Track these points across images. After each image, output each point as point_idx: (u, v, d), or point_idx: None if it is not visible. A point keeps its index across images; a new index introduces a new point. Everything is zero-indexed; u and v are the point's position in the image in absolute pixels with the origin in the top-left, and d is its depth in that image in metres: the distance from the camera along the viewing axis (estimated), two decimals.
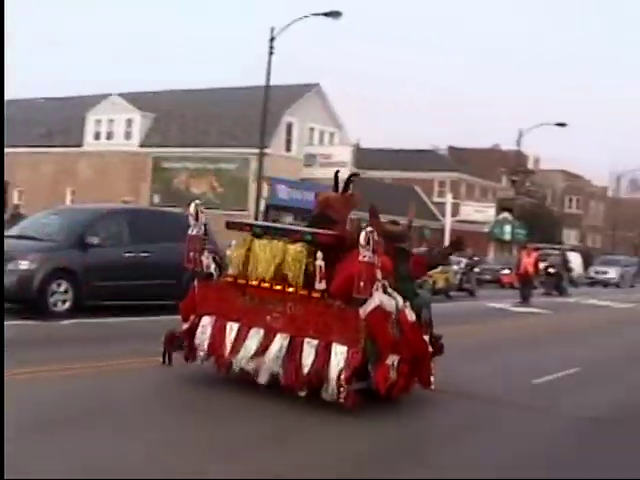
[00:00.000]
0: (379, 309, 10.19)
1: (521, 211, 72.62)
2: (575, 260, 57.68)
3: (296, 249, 10.74)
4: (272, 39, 40.54)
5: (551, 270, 42.71)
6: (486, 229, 71.49)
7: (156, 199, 51.19)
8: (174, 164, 52.52)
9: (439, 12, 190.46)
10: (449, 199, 60.37)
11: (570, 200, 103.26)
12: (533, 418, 11.51)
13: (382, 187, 68.47)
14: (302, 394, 10.27)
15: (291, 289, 10.70)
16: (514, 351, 18.13)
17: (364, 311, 10.06)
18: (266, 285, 10.92)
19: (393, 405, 10.62)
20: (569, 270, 49.49)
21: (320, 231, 11.03)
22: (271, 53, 40.70)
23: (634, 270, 67.04)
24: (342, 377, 9.89)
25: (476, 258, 40.47)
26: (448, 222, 57.21)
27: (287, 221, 47.76)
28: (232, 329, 11.02)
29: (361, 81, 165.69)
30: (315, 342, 10.28)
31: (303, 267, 10.66)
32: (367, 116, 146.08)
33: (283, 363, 10.39)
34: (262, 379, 10.56)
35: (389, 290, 10.48)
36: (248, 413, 9.92)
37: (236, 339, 10.91)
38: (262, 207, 44.23)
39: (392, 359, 10.35)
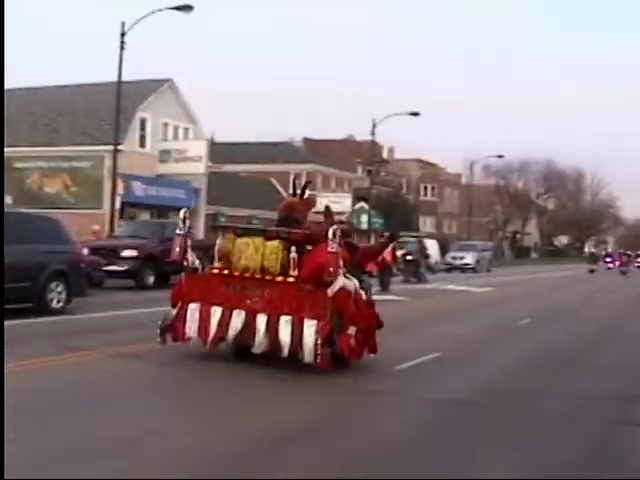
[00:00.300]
0: (343, 289, 12.91)
1: (377, 200, 73.55)
2: (432, 247, 58.72)
3: (273, 244, 13.35)
4: (123, 34, 39.91)
5: (409, 257, 43.28)
6: (343, 219, 72.09)
7: (9, 200, 49.85)
8: (26, 164, 51.14)
9: (290, 7, 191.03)
10: (306, 191, 60.61)
11: (425, 188, 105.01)
12: (398, 404, 11.65)
13: (238, 180, 68.39)
14: (283, 356, 12.92)
15: (269, 277, 13.22)
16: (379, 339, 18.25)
17: (331, 291, 12.73)
18: (247, 275, 13.37)
19: (255, 398, 10.74)
20: (426, 257, 50.29)
21: (293, 230, 13.68)
22: (122, 48, 40.08)
23: (490, 255, 68.73)
24: (318, 343, 12.50)
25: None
26: None
27: (144, 218, 47.25)
28: (216, 312, 13.36)
29: (216, 76, 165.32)
30: (289, 318, 12.81)
31: (279, 259, 13.23)
32: (222, 110, 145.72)
33: (265, 336, 12.93)
34: (257, 350, 13.13)
35: (347, 275, 13.14)
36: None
37: (220, 320, 13.29)
38: (118, 205, 43.54)
39: (352, 330, 13.10)
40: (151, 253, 30.15)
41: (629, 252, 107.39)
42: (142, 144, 51.25)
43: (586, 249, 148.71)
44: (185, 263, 14.31)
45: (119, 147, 42.83)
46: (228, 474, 7.67)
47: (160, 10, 39.50)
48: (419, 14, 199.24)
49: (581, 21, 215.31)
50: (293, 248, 13.21)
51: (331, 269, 12.62)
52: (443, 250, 65.26)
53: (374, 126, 62.46)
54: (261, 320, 13.02)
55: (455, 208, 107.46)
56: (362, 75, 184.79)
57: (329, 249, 12.63)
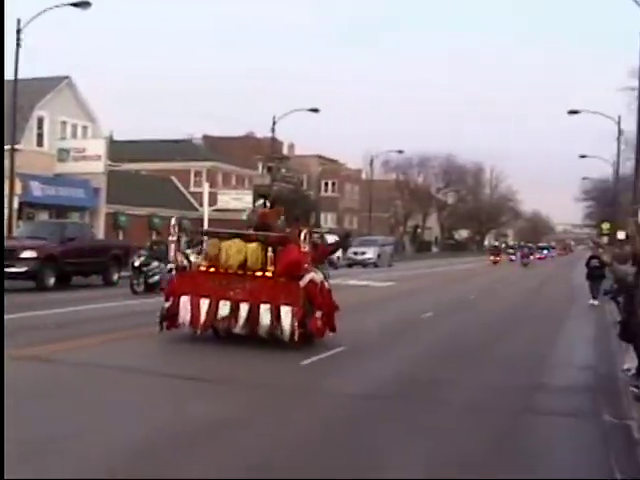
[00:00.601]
0: (312, 281, 16.36)
1: (278, 197, 73.38)
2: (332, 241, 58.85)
3: (253, 246, 16.64)
4: (19, 31, 39.18)
5: None
6: (244, 216, 71.89)
7: None
8: None
9: (190, 4, 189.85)
10: (206, 188, 60.09)
11: (326, 184, 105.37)
12: (306, 399, 11.73)
13: (139, 179, 67.73)
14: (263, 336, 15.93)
15: (249, 272, 16.34)
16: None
17: (303, 282, 16.07)
18: (231, 271, 16.44)
19: (173, 397, 10.68)
20: None
21: (270, 234, 17.06)
22: (18, 45, 39.32)
23: (391, 249, 69.24)
24: (295, 325, 15.61)
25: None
26: (206, 211, 56.98)
27: (42, 219, 46.40)
28: (204, 303, 16.27)
29: (115, 74, 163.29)
30: (268, 306, 15.84)
31: (259, 257, 16.46)
32: (121, 108, 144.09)
33: (246, 320, 16.00)
34: (239, 331, 16.13)
35: (314, 269, 16.70)
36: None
37: (208, 309, 16.22)
38: (15, 205, 42.73)
39: (319, 313, 16.29)
40: (51, 254, 29.62)
41: (530, 244, 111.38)
42: (40, 143, 50.32)
43: (486, 242, 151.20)
44: (179, 263, 17.40)
45: (16, 146, 42.05)
46: (141, 473, 7.66)
47: (57, 6, 38.87)
48: (320, 10, 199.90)
49: (468, 19, 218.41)
50: (269, 248, 16.54)
51: (305, 265, 16.23)
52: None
53: (274, 123, 62.46)
54: (244, 308, 16.08)
55: (356, 203, 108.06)
56: (262, 71, 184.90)
57: (302, 249, 16.26)
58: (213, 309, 16.25)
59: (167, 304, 16.88)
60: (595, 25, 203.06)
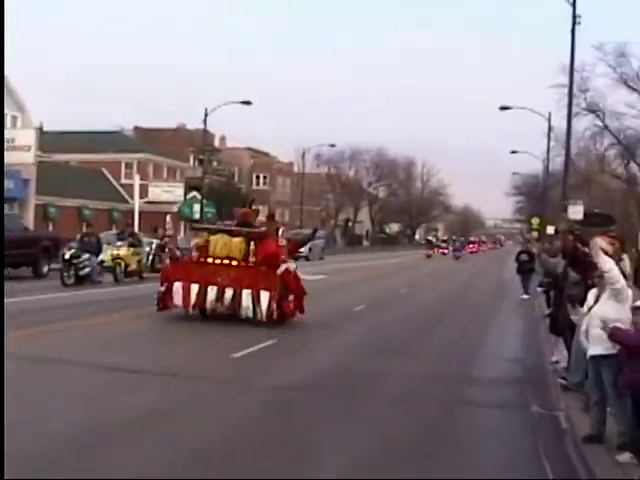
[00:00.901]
0: (287, 270, 19.58)
1: (210, 190, 73.16)
2: None
3: (237, 240, 19.64)
4: None
5: None
6: (175, 209, 71.42)
7: None
8: None
9: None
10: (137, 180, 59.59)
11: (257, 177, 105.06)
12: (234, 392, 11.70)
13: (69, 170, 66.94)
14: (242, 318, 18.79)
15: (234, 262, 19.38)
16: (213, 329, 18.28)
17: (279, 271, 19.18)
18: (218, 261, 19.41)
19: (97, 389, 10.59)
20: None
21: (252, 230, 20.05)
22: None
23: (322, 243, 69.19)
24: (272, 306, 18.77)
25: (167, 239, 39.90)
26: (137, 203, 56.55)
27: None
28: (194, 288, 19.15)
29: (45, 64, 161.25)
30: (249, 291, 18.84)
31: (242, 250, 19.48)
32: (51, 99, 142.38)
33: (230, 302, 19.03)
34: (223, 311, 19.29)
35: (289, 259, 20.17)
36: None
37: (197, 293, 19.10)
38: None
39: (291, 297, 19.50)
40: None
41: (462, 238, 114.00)
42: None
43: (417, 236, 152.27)
44: (173, 254, 20.45)
45: None
46: (72, 463, 7.61)
47: None
48: (258, 8, 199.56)
49: (404, 14, 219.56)
50: (251, 242, 19.57)
51: (282, 257, 19.52)
52: None
53: (206, 115, 61.98)
54: (228, 292, 18.98)
55: (287, 197, 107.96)
56: (196, 66, 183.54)
57: (280, 243, 19.83)
58: (202, 293, 19.14)
59: (162, 288, 19.56)
60: (528, 21, 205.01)
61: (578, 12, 33.61)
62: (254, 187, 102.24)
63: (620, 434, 8.74)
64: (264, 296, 18.75)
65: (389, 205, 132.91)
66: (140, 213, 54.76)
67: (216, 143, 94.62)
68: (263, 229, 20.40)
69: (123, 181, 72.36)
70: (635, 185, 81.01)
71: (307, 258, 62.59)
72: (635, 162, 79.29)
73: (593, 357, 9.15)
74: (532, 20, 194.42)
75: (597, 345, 8.96)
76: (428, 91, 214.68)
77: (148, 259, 33.97)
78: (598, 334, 8.86)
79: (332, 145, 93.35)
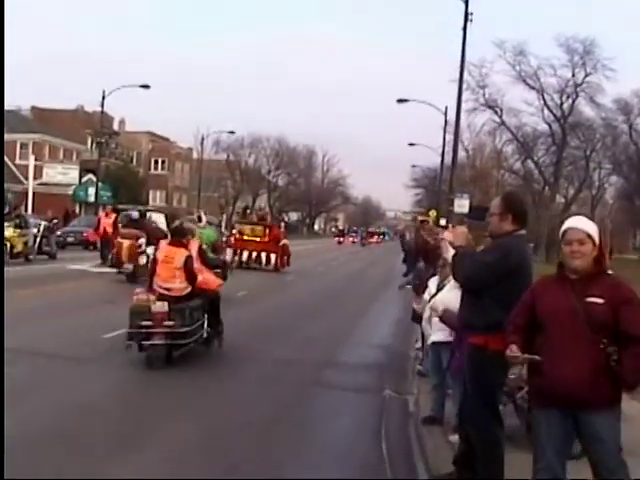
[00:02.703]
0: (284, 244, 39.05)
1: (106, 173, 72.68)
2: (159, 220, 58.70)
3: (259, 227, 39.07)
4: None
5: None
6: (70, 191, 70.77)
7: None
8: None
9: None
10: (32, 161, 59.06)
11: (156, 162, 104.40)
12: (100, 371, 11.93)
13: None
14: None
15: (257, 239, 38.24)
16: (89, 309, 18.45)
17: (280, 244, 38.67)
18: (250, 238, 38.35)
19: None
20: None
21: (266, 223, 41.46)
22: None
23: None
24: (277, 261, 37.89)
25: (56, 221, 39.52)
26: (31, 185, 56.08)
27: None
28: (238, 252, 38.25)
29: None
30: (265, 253, 38.36)
31: (261, 233, 38.72)
32: None
33: (256, 259, 38.67)
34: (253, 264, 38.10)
35: (284, 238, 40.30)
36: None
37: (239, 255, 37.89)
38: None
39: (285, 258, 38.59)
40: None
41: (370, 229, 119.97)
42: None
43: (316, 226, 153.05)
44: None
45: None
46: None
47: None
48: None
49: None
50: (266, 229, 38.98)
51: (282, 237, 39.62)
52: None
53: (103, 97, 61.55)
54: (254, 254, 38.00)
55: (186, 182, 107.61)
56: (97, 50, 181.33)
57: (281, 230, 41.72)
58: (239, 254, 36.95)
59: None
60: (436, 19, 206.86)
61: (477, 9, 34.61)
62: (152, 171, 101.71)
63: (456, 416, 9.25)
64: (272, 256, 37.83)
65: (288, 194, 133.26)
66: (34, 194, 54.18)
67: (115, 126, 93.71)
68: (270, 222, 42.38)
69: (18, 161, 71.36)
70: (532, 181, 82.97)
71: None
72: (532, 159, 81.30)
73: (434, 343, 9.64)
74: (439, 17, 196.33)
75: (439, 331, 9.42)
76: (331, 82, 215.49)
77: (35, 241, 33.55)
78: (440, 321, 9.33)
79: (231, 132, 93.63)
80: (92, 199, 67.98)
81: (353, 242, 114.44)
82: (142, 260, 25.28)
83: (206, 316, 13.86)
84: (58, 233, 41.18)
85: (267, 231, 38.32)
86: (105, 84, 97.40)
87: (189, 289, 13.12)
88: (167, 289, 12.96)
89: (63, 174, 70.68)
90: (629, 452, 8.55)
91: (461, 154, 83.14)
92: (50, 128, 77.11)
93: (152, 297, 12.78)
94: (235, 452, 8.49)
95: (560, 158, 78.45)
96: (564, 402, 5.84)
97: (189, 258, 13.14)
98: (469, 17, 34.99)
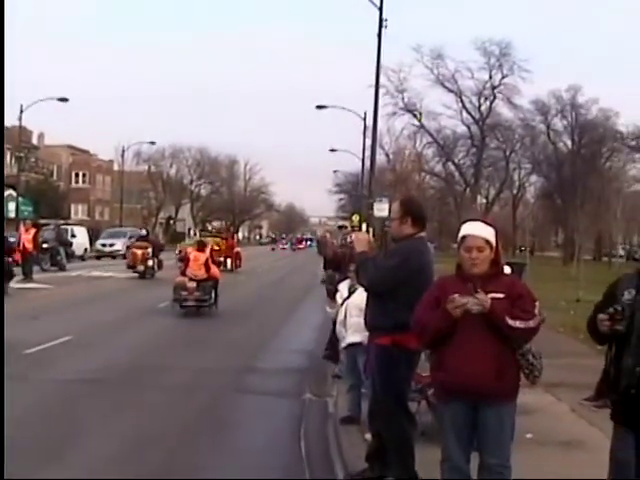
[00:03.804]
0: (237, 251, 51.02)
1: (27, 188, 71.92)
2: (80, 234, 58.32)
3: (218, 239, 48.22)
4: None
5: (45, 245, 41.71)
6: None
7: None
8: None
9: None
10: None
11: (77, 175, 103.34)
12: (25, 386, 11.97)
13: None
14: None
15: (216, 248, 39.33)
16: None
17: (235, 251, 49.86)
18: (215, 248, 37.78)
19: None
20: (65, 244, 48.94)
21: (222, 235, 55.97)
22: None
23: None
24: (233, 264, 47.98)
25: None
26: None
27: None
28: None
29: None
30: (222, 258, 44.68)
31: (221, 242, 48.10)
32: None
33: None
34: None
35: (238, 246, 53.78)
36: None
37: None
38: None
39: (238, 261, 49.55)
40: None
41: (299, 236, 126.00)
42: None
43: (240, 233, 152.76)
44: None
45: None
46: None
47: None
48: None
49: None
50: (224, 240, 50.04)
51: (235, 245, 52.37)
52: (94, 237, 64.81)
53: (21, 111, 61.08)
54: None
55: (107, 195, 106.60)
56: (12, 58, 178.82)
57: (235, 240, 55.13)
58: None
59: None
60: (350, 26, 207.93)
61: (393, 14, 35.02)
62: (73, 185, 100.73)
63: (368, 414, 9.50)
64: (229, 260, 45.99)
65: (211, 203, 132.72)
66: None
67: (34, 140, 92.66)
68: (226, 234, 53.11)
69: None
70: (453, 183, 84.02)
71: (124, 256, 62.01)
72: (452, 161, 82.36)
73: (350, 345, 9.87)
74: (357, 23, 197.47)
75: (356, 333, 9.65)
76: (251, 89, 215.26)
77: None
78: (356, 322, 9.55)
79: (152, 142, 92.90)
80: (12, 215, 67.15)
81: (283, 248, 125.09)
82: (149, 263, 37.22)
83: (213, 291, 23.20)
84: None
85: (224, 241, 48.24)
86: (23, 97, 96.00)
87: (206, 276, 22.90)
88: (195, 275, 22.72)
89: None
90: (540, 442, 9.05)
91: (382, 158, 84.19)
92: None
93: (186, 279, 22.65)
94: (154, 459, 8.65)
95: (480, 159, 79.72)
96: (468, 394, 6.04)
97: (207, 259, 23.41)
98: (384, 23, 35.30)
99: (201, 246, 24.14)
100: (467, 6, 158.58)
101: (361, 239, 7.95)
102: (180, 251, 32.08)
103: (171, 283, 23.25)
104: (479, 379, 5.94)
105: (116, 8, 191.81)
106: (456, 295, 5.98)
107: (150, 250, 37.42)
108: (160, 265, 38.91)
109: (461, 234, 6.32)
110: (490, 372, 5.94)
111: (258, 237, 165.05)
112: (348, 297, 10.00)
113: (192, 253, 23.62)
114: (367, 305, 7.81)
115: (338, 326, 10.28)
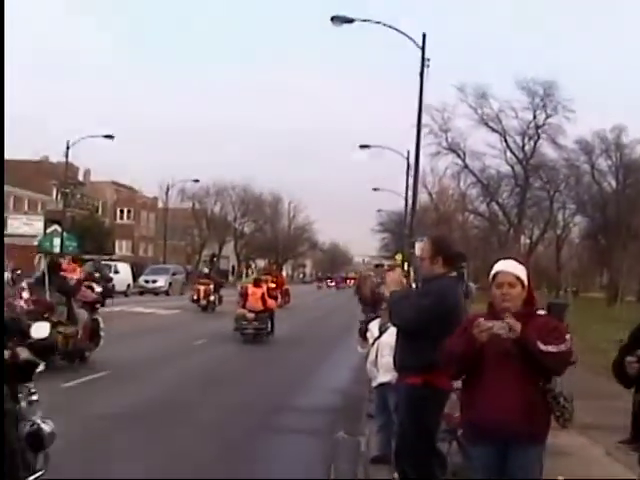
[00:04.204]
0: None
1: (72, 223, 72.61)
2: (123, 270, 58.75)
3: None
4: None
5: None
6: (35, 242, 70.55)
7: None
8: None
9: None
10: None
11: (122, 211, 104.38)
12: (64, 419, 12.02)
13: None
14: None
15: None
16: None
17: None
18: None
19: None
20: (108, 280, 49.24)
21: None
22: None
23: (183, 278, 69.15)
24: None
25: (19, 272, 39.36)
26: None
27: None
28: None
29: None
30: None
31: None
32: None
33: None
34: None
35: None
36: None
37: None
38: None
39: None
40: None
41: (342, 275, 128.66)
42: None
43: (284, 272, 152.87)
44: None
45: None
46: None
47: None
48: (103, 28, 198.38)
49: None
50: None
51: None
52: (137, 273, 65.24)
53: (67, 147, 61.74)
54: None
55: (152, 232, 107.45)
56: (55, 95, 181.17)
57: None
58: None
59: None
60: (396, 67, 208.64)
61: (437, 54, 35.14)
62: (118, 221, 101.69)
63: (394, 454, 9.45)
64: (279, 296, 41.13)
65: (255, 241, 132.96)
66: None
67: (80, 177, 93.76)
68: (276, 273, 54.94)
69: None
70: (497, 223, 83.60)
71: (167, 293, 62.48)
72: (496, 201, 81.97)
73: (381, 384, 9.84)
74: (403, 64, 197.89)
75: (387, 373, 9.61)
76: (296, 128, 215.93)
77: None
78: (387, 362, 9.51)
79: (196, 180, 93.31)
80: (57, 249, 67.79)
81: (328, 286, 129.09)
82: (211, 298, 42.46)
83: (269, 321, 26.89)
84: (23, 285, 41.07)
85: (275, 279, 44.45)
86: (69, 134, 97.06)
87: (263, 308, 26.39)
88: (253, 308, 26.14)
89: (28, 225, 70.55)
90: None
91: (425, 197, 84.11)
92: (14, 179, 76.96)
93: (245, 311, 26.16)
94: None
95: (524, 199, 79.23)
96: (497, 436, 5.96)
97: (263, 293, 26.95)
98: (426, 62, 35.34)
99: (258, 282, 28.03)
100: (511, 45, 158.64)
101: (393, 278, 7.96)
102: (242, 287, 33.15)
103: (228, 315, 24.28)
104: (508, 420, 5.85)
105: (160, 42, 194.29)
106: (481, 319, 5.94)
107: (212, 287, 43.37)
108: (220, 300, 43.56)
109: (493, 272, 6.30)
110: (520, 413, 5.85)
111: (302, 276, 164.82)
112: (379, 336, 9.97)
113: (250, 288, 27.14)
114: (397, 344, 7.79)
115: (369, 365, 10.25)
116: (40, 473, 7.38)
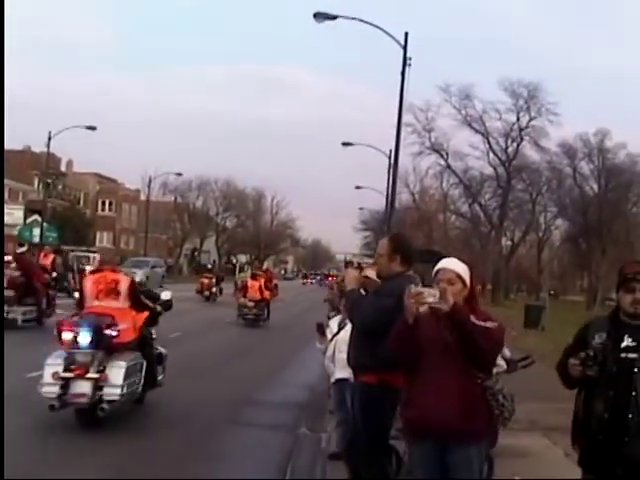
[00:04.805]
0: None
1: (53, 214, 72.37)
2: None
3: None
4: None
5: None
6: (15, 232, 70.23)
7: None
8: None
9: None
10: None
11: (103, 203, 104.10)
12: (23, 408, 11.98)
13: None
14: None
15: None
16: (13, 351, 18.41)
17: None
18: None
19: None
20: (73, 271, 48.58)
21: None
22: None
23: (162, 271, 68.89)
24: None
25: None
26: None
27: None
28: None
29: None
30: None
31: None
32: None
33: None
34: None
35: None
36: None
37: None
38: None
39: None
40: None
41: (326, 272, 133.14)
42: None
43: (264, 268, 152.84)
44: None
45: None
46: None
47: None
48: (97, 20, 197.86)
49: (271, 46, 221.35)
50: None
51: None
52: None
53: (49, 138, 61.45)
54: None
55: (133, 224, 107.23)
56: (43, 87, 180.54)
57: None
58: None
59: None
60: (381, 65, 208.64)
61: (425, 53, 35.06)
62: (99, 213, 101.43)
63: (345, 450, 9.43)
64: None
65: (237, 236, 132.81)
66: None
67: (62, 167, 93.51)
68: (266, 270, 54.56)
69: None
70: (479, 224, 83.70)
71: (145, 286, 62.13)
72: (478, 202, 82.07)
73: (338, 380, 9.80)
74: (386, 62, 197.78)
75: (344, 369, 9.57)
76: (280, 124, 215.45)
77: None
78: (344, 359, 9.45)
79: (179, 174, 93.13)
80: (37, 239, 67.43)
81: (311, 283, 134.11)
82: (213, 290, 49.17)
83: (265, 309, 32.36)
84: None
85: (265, 275, 48.38)
86: (52, 125, 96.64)
87: (260, 297, 31.81)
88: (252, 297, 31.60)
89: (8, 215, 70.12)
90: None
91: (407, 197, 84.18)
92: None
93: (246, 300, 31.70)
94: None
95: (505, 201, 79.41)
96: (435, 434, 5.94)
97: (260, 286, 32.20)
98: (407, 62, 35.32)
99: (255, 276, 35.27)
100: (496, 46, 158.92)
101: (351, 276, 7.91)
102: (241, 281, 40.06)
103: None
104: (448, 419, 5.83)
105: (147, 37, 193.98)
106: (412, 285, 5.91)
107: (214, 280, 50.45)
108: (221, 292, 50.92)
109: (436, 269, 6.30)
110: (459, 412, 5.83)
111: (283, 272, 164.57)
112: (337, 333, 9.93)
113: (249, 281, 33.65)
114: (352, 342, 7.75)
115: (327, 361, 10.21)
116: (161, 377, 13.33)
